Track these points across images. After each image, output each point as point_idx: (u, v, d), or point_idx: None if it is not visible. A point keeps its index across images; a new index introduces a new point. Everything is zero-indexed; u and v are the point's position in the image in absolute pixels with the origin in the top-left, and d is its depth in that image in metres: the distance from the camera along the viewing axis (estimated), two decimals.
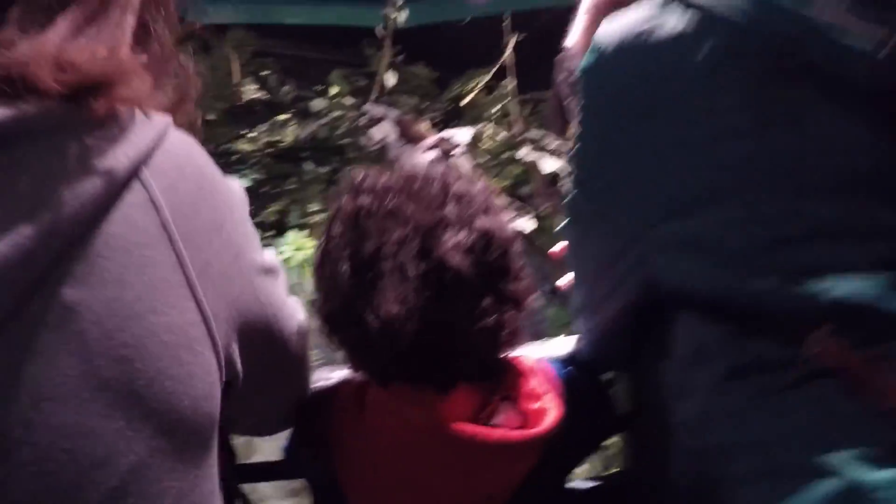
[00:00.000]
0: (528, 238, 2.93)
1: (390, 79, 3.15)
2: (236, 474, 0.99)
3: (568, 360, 1.18)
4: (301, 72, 4.06)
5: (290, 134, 3.43)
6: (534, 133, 3.06)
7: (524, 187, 3.31)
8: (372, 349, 0.97)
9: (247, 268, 0.86)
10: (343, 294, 0.97)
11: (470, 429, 0.97)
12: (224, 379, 0.82)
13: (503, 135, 3.26)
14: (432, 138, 2.75)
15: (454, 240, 0.96)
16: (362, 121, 2.87)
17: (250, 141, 3.79)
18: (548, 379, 1.07)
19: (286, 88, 3.88)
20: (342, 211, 1.01)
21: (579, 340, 1.21)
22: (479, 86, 3.43)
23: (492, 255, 0.98)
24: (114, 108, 0.76)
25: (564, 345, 1.25)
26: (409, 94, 3.77)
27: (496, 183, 3.42)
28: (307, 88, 3.99)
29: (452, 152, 2.74)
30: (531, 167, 3.12)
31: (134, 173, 0.76)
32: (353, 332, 0.97)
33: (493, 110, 3.39)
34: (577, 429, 1.05)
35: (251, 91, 3.88)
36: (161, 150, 0.79)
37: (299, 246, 5.69)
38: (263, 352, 0.90)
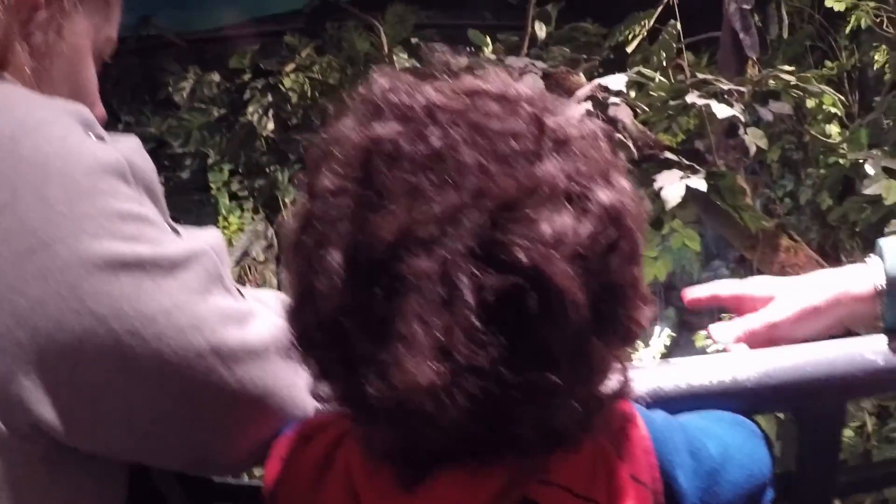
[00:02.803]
0: (703, 199, 2.58)
1: (540, 31, 2.88)
2: None
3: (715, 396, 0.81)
4: (463, 40, 3.93)
5: None
6: (704, 76, 2.70)
7: (698, 142, 2.94)
8: (373, 427, 0.60)
9: (61, 265, 0.62)
10: (328, 307, 0.57)
11: None
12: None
13: (671, 81, 2.91)
14: (585, 88, 2.46)
15: (557, 229, 0.55)
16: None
17: None
18: (637, 462, 0.66)
19: (437, 55, 3.74)
20: (340, 144, 0.60)
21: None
22: (641, 31, 3.10)
23: (616, 257, 0.58)
24: None
25: (699, 366, 0.85)
26: (573, 50, 3.53)
27: (665, 138, 3.08)
28: (463, 54, 3.85)
29: (610, 101, 2.44)
30: (704, 116, 2.75)
31: None
32: (342, 384, 0.61)
33: (659, 57, 3.05)
34: None
35: (402, 60, 3.78)
36: None
37: None
38: (125, 381, 0.64)
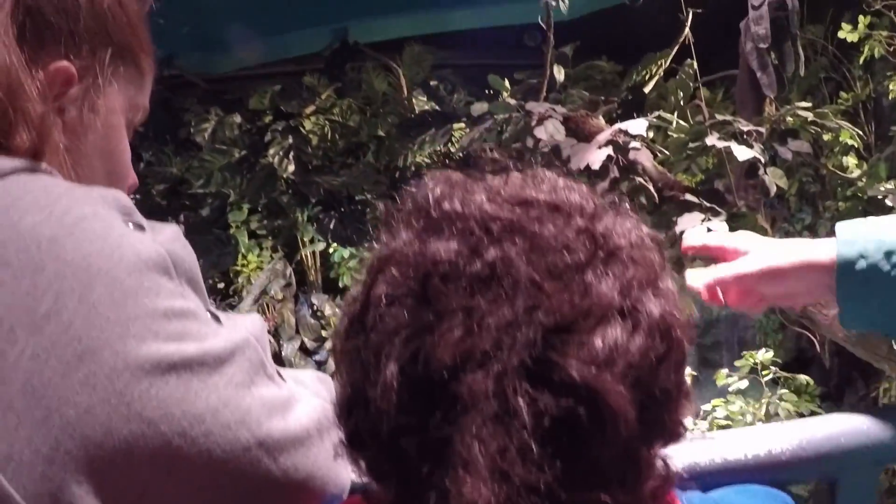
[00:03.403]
0: None
1: (559, 74, 2.91)
2: None
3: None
4: (481, 80, 3.96)
5: (459, 142, 3.31)
6: (722, 117, 2.70)
7: (717, 181, 2.94)
8: None
9: (108, 372, 0.61)
10: (384, 422, 0.58)
11: None
12: None
13: (689, 123, 2.92)
14: (606, 132, 2.48)
15: (609, 346, 0.56)
16: (531, 122, 2.64)
17: (424, 152, 3.73)
18: None
19: (457, 97, 3.77)
20: (398, 259, 0.60)
21: None
22: (657, 71, 3.11)
23: (664, 369, 0.59)
24: None
25: (733, 440, 0.87)
26: (590, 89, 3.55)
27: (685, 178, 3.09)
28: (482, 95, 3.87)
29: (630, 146, 2.45)
30: (724, 157, 2.76)
31: None
32: (395, 490, 0.61)
33: (677, 97, 3.06)
34: None
35: (422, 103, 3.81)
36: None
37: None
38: (174, 480, 0.64)
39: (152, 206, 4.12)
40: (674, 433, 0.62)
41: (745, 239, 1.00)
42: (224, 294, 7.64)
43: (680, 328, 0.60)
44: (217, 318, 0.73)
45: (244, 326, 0.74)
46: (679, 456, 0.76)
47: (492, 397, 0.54)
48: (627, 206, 0.66)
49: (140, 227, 0.71)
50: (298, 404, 0.74)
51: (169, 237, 0.71)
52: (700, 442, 0.85)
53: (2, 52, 0.72)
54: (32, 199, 0.66)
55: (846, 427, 0.89)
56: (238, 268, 5.73)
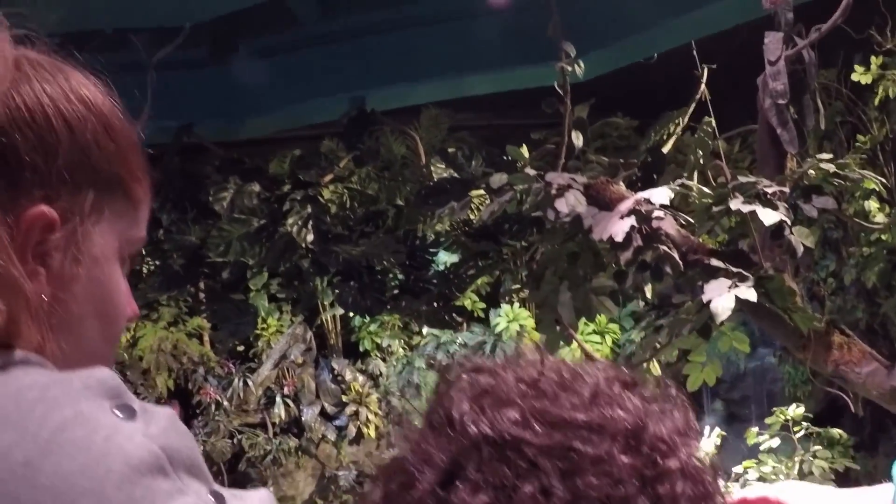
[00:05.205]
0: (751, 306, 2.53)
1: (577, 140, 2.89)
2: None
3: None
4: (498, 141, 3.95)
5: (480, 212, 3.30)
6: (745, 179, 2.67)
7: (741, 242, 2.90)
8: None
9: None
10: None
11: None
12: None
13: (710, 182, 2.90)
14: (628, 202, 2.45)
15: None
16: (551, 192, 2.61)
17: (445, 221, 3.72)
18: None
19: (475, 164, 3.74)
20: (429, 455, 0.58)
21: None
22: (675, 130, 3.09)
23: None
24: None
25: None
26: (607, 148, 3.55)
27: (708, 240, 3.05)
28: (499, 159, 3.85)
29: (654, 215, 2.42)
30: (747, 216, 2.72)
31: None
32: None
33: (696, 156, 3.03)
34: None
35: (440, 170, 3.78)
36: None
37: (513, 317, 5.70)
38: None
39: (171, 275, 4.11)
40: None
41: (789, 492, 0.93)
42: (244, 358, 7.60)
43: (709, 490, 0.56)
44: (221, 499, 0.67)
45: None
46: None
47: None
48: (673, 390, 0.61)
49: (130, 412, 0.64)
50: None
51: (163, 426, 0.64)
52: None
53: None
54: (3, 415, 0.60)
55: None
56: (258, 331, 5.68)
